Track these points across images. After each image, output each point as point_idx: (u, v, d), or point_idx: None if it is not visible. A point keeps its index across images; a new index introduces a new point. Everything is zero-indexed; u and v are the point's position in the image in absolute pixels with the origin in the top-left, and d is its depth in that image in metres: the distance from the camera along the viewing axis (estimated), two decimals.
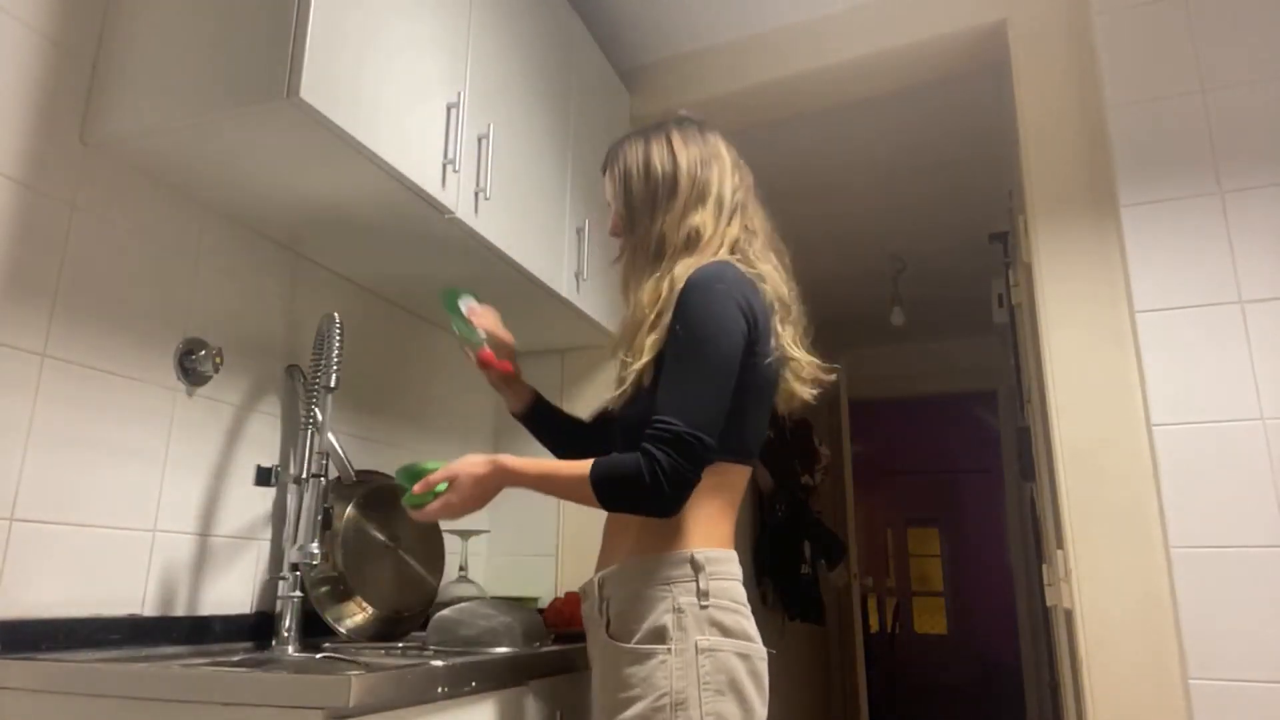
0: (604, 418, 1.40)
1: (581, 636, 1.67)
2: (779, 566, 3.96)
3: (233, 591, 1.54)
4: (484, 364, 1.45)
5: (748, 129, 2.81)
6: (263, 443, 1.64)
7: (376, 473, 1.83)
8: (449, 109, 1.59)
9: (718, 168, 1.30)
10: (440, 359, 2.23)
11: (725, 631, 1.11)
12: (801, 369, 1.27)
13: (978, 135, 3.01)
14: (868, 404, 5.44)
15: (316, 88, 1.25)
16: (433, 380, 2.20)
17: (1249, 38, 1.80)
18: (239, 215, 1.59)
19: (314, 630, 1.63)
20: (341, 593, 1.61)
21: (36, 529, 1.23)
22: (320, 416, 1.54)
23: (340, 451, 1.46)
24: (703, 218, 1.26)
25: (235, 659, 1.33)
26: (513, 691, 1.27)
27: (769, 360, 1.20)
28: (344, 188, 1.49)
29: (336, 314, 1.55)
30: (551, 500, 2.33)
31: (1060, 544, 1.84)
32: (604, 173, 1.39)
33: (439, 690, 1.08)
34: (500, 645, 1.49)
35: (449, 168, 1.57)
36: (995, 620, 6.94)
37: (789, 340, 1.25)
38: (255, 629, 1.55)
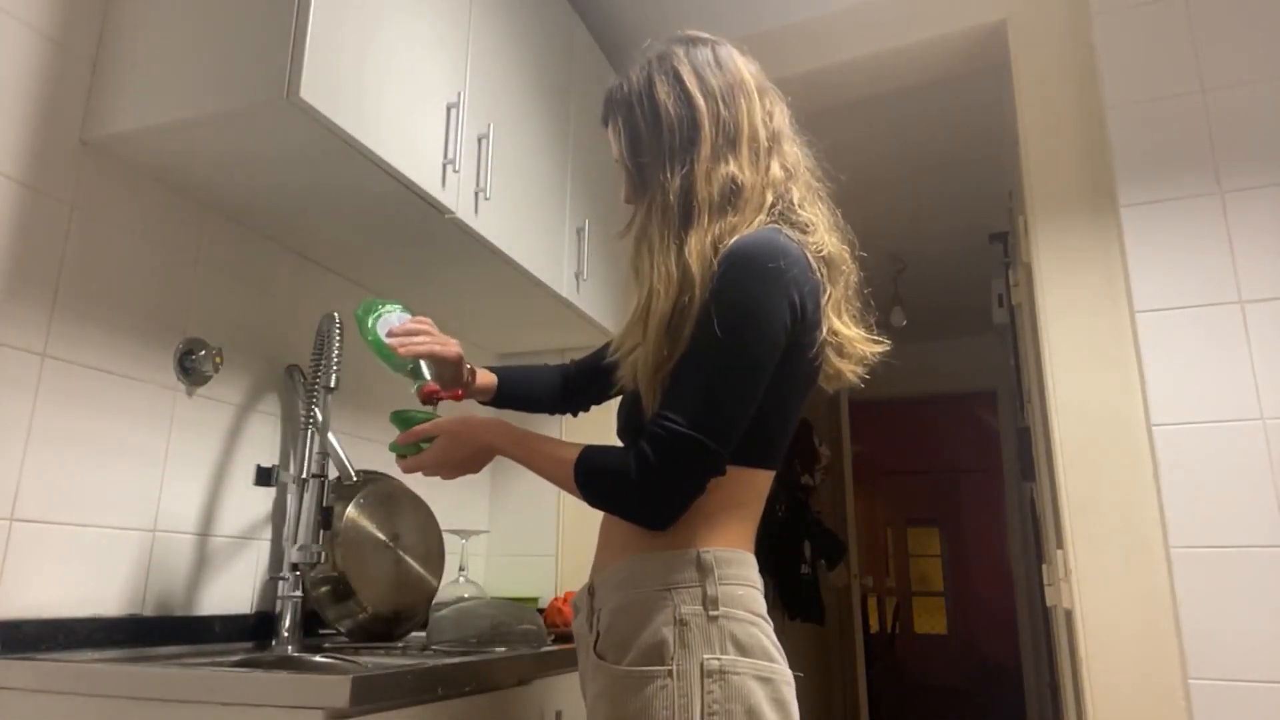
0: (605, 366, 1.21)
1: None
2: (779, 566, 3.97)
3: (233, 591, 1.54)
4: (429, 399, 1.21)
5: None
6: (263, 443, 1.63)
7: (376, 473, 1.83)
8: (449, 109, 1.59)
9: (744, 98, 1.06)
10: None
11: (741, 648, 0.91)
12: (846, 345, 1.06)
13: (978, 135, 3.01)
14: (868, 404, 5.45)
15: (316, 88, 1.25)
16: None
17: (1249, 38, 1.80)
18: (239, 215, 1.59)
19: (314, 630, 1.63)
20: (341, 593, 1.61)
21: (36, 529, 1.23)
22: (320, 416, 1.54)
23: (340, 451, 1.46)
24: (738, 165, 1.02)
25: (235, 659, 1.33)
26: (513, 691, 1.27)
27: (813, 353, 1.00)
28: (344, 188, 1.49)
29: (336, 314, 1.55)
30: (551, 500, 2.33)
31: (1060, 544, 1.85)
32: (605, 125, 1.15)
33: (439, 690, 1.08)
34: (500, 645, 1.49)
35: (449, 168, 1.57)
36: (995, 620, 6.94)
37: (835, 315, 1.05)
38: (255, 629, 1.55)
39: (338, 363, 1.52)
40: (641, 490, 0.92)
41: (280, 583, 1.49)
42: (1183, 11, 1.86)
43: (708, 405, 0.91)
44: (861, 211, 4.20)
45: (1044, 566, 2.13)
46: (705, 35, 1.14)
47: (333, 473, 1.53)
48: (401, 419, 1.14)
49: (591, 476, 0.97)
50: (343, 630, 1.62)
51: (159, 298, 1.45)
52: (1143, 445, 1.75)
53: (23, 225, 1.25)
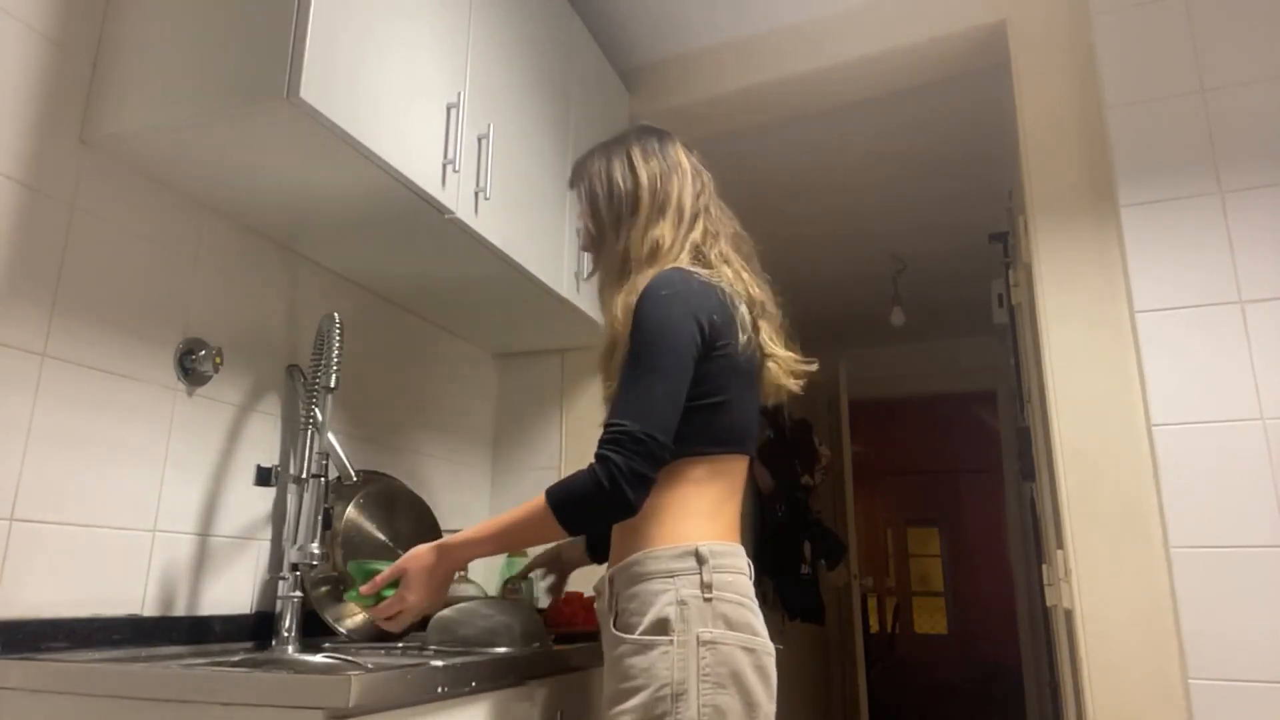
0: None
1: (581, 636, 1.67)
2: (779, 566, 3.96)
3: (233, 591, 1.54)
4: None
5: (748, 129, 2.81)
6: (263, 443, 1.63)
7: (376, 473, 1.83)
8: (449, 109, 1.59)
9: (678, 178, 1.34)
10: (440, 359, 2.23)
11: (729, 624, 1.12)
12: (781, 363, 1.30)
13: (978, 135, 3.01)
14: (868, 404, 5.45)
15: (316, 87, 1.25)
16: (433, 380, 2.20)
17: (1249, 38, 1.80)
18: (239, 215, 1.59)
19: (314, 630, 1.63)
20: (341, 593, 1.61)
21: (36, 529, 1.23)
22: (320, 416, 1.54)
23: (340, 451, 1.46)
24: (663, 229, 1.30)
25: (235, 659, 1.33)
26: (513, 691, 1.27)
27: (740, 352, 1.23)
28: (344, 188, 1.49)
29: (336, 314, 1.55)
30: None
31: (1060, 544, 1.85)
32: (571, 188, 1.44)
33: (439, 690, 1.08)
34: (500, 645, 1.49)
35: (449, 168, 1.57)
36: (995, 620, 6.94)
37: (766, 336, 1.29)
38: (255, 629, 1.55)
39: (338, 363, 1.52)
40: (614, 489, 1.10)
41: (280, 583, 1.49)
42: (1183, 11, 1.86)
43: (644, 406, 1.13)
44: (862, 211, 4.22)
45: (1044, 566, 2.13)
46: (656, 127, 1.43)
47: (333, 473, 1.53)
48: (361, 570, 1.24)
49: (567, 505, 1.14)
50: (343, 630, 1.62)
51: (159, 298, 1.45)
52: (1143, 445, 1.75)
53: (23, 225, 1.25)
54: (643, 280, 1.24)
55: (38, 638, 1.19)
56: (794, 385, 1.32)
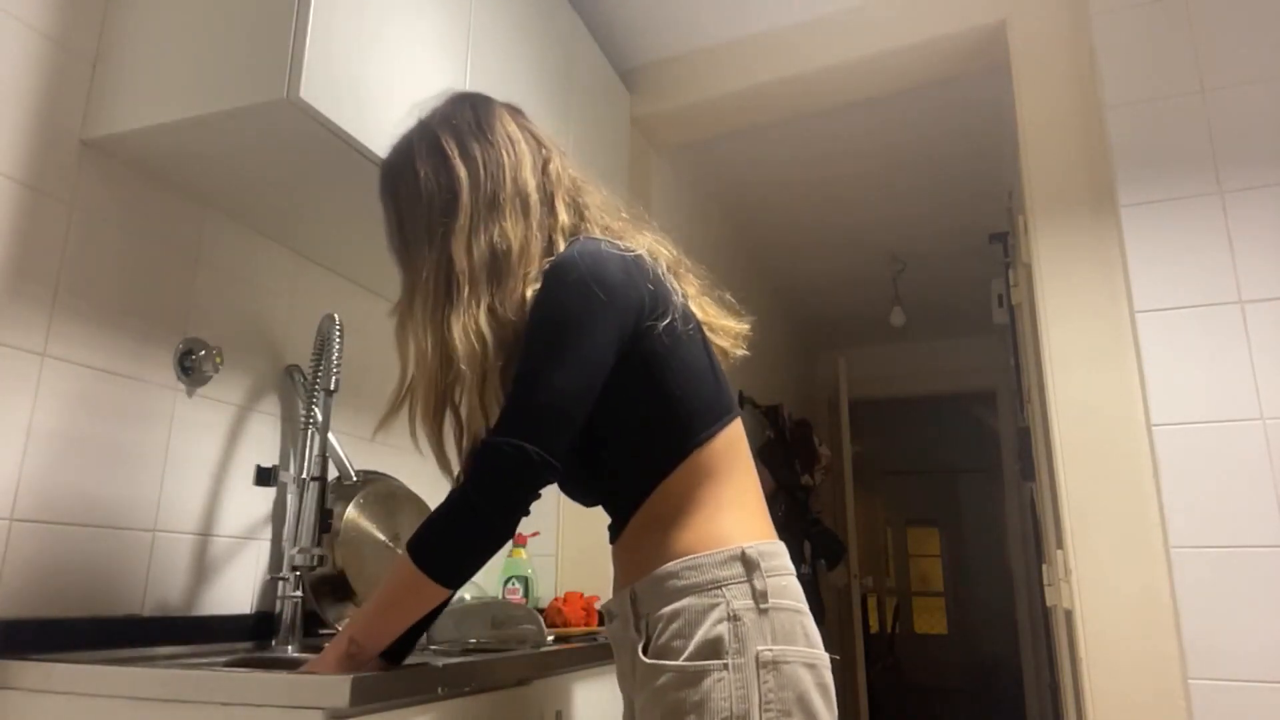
0: None
1: (580, 636, 1.67)
2: None
3: (233, 591, 1.54)
4: None
5: (748, 129, 2.81)
6: (263, 443, 1.63)
7: (376, 473, 1.83)
8: None
9: (509, 157, 1.07)
10: None
11: (789, 638, 0.96)
12: (719, 333, 1.13)
13: (978, 135, 3.01)
14: (868, 404, 5.45)
15: (316, 88, 1.25)
16: None
17: (1249, 38, 1.80)
18: (239, 215, 1.59)
19: (314, 630, 1.63)
20: (341, 593, 1.61)
21: (36, 529, 1.23)
22: (320, 417, 1.54)
23: (340, 451, 1.46)
24: (501, 229, 1.03)
25: (235, 659, 1.33)
26: (513, 691, 1.27)
27: (681, 317, 1.04)
28: (344, 188, 1.49)
29: (336, 314, 1.55)
30: (550, 501, 2.33)
31: (1060, 544, 1.85)
32: (380, 199, 1.15)
33: (439, 690, 1.08)
34: (500, 645, 1.49)
35: None
36: (995, 620, 6.94)
37: (695, 297, 1.12)
38: (255, 629, 1.55)
39: (338, 363, 1.52)
40: (466, 513, 0.94)
41: (280, 583, 1.49)
42: (1183, 11, 1.86)
43: (530, 409, 0.94)
44: (861, 211, 4.23)
45: (1044, 566, 2.13)
46: (470, 94, 1.16)
47: (333, 473, 1.53)
48: None
49: (422, 545, 0.96)
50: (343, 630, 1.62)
51: (159, 298, 1.45)
52: (1143, 445, 1.75)
53: (23, 225, 1.25)
54: (507, 295, 1.00)
55: (38, 638, 1.19)
56: (737, 351, 1.15)
